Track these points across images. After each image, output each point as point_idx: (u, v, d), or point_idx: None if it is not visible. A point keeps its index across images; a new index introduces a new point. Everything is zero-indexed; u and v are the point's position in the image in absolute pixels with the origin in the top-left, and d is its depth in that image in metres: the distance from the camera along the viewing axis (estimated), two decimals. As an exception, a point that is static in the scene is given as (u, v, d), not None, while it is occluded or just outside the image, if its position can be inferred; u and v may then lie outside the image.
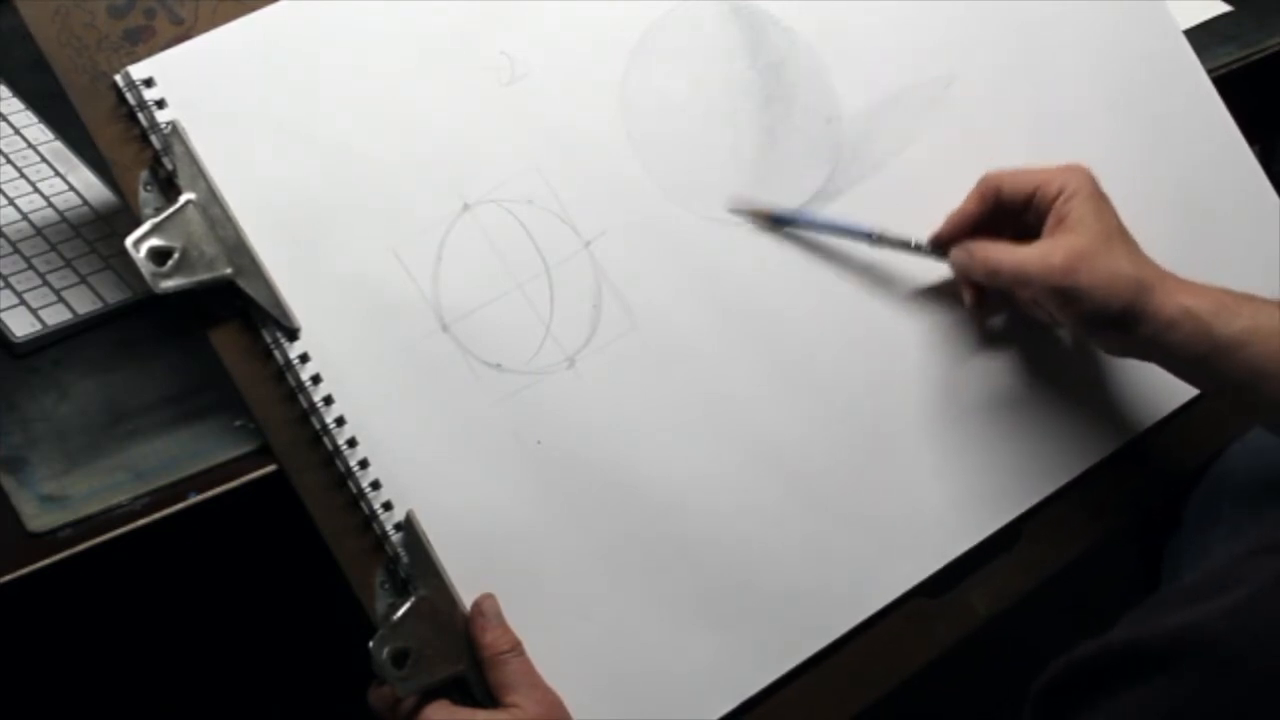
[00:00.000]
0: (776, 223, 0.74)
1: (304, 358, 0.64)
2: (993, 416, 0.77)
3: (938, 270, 0.76)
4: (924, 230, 0.74)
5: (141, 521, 0.64)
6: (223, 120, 0.64)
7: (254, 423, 0.65)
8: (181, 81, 0.64)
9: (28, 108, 0.86)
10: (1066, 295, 0.69)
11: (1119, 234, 0.71)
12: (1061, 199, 0.71)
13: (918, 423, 0.75)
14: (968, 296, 0.75)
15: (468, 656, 0.66)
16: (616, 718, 0.68)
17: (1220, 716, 0.44)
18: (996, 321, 0.77)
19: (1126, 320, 0.69)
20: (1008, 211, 0.73)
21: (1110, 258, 0.69)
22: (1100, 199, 0.72)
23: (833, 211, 0.75)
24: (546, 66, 0.70)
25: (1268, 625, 0.44)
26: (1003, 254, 0.71)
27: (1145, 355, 0.72)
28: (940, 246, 0.74)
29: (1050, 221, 0.71)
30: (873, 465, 0.74)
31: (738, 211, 0.73)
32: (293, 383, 0.64)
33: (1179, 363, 0.71)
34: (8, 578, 0.60)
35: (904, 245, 0.74)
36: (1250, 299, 0.70)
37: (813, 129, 0.76)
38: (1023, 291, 0.72)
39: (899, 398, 0.75)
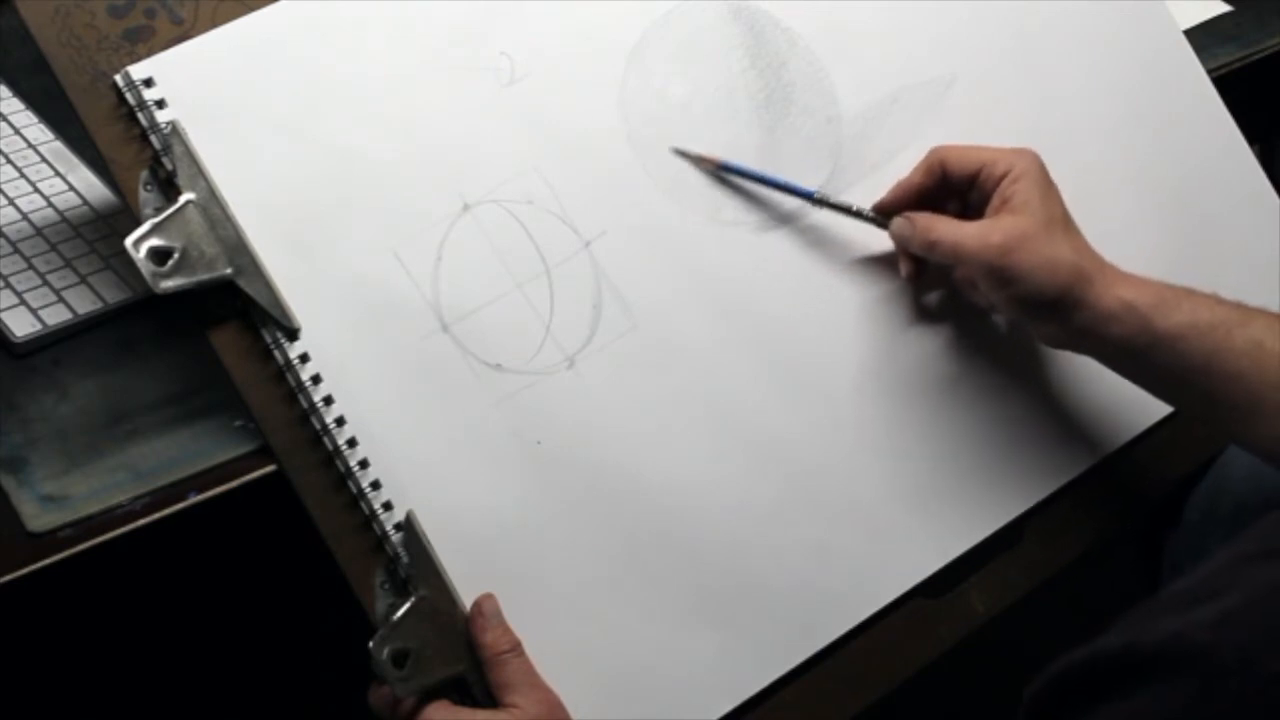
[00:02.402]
0: (722, 170, 0.73)
1: (304, 358, 0.64)
2: (993, 416, 0.77)
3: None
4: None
5: (141, 521, 0.64)
6: (223, 120, 0.64)
7: (254, 423, 0.65)
8: (181, 81, 0.64)
9: (28, 108, 0.85)
10: (1001, 276, 0.69)
11: (1062, 221, 0.70)
12: (1007, 180, 0.70)
13: (919, 421, 0.75)
14: (905, 268, 0.75)
15: (468, 657, 0.66)
16: (616, 718, 0.68)
17: None
18: (998, 323, 0.77)
19: (1062, 307, 0.69)
20: (954, 188, 0.73)
21: (1050, 243, 0.69)
22: (1047, 184, 0.71)
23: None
24: (547, 67, 0.70)
25: (1257, 635, 0.44)
26: (942, 227, 0.71)
27: (1081, 346, 0.72)
28: (883, 214, 0.74)
29: (994, 202, 0.71)
30: (873, 465, 0.74)
31: (681, 154, 0.72)
32: (293, 383, 0.64)
33: (1114, 355, 0.71)
34: (8, 578, 0.60)
35: (845, 209, 0.74)
36: (1190, 294, 0.69)
37: (813, 129, 0.76)
38: (960, 269, 0.72)
39: (899, 397, 0.75)
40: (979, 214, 0.72)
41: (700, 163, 0.73)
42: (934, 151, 0.74)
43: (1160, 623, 0.47)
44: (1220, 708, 0.44)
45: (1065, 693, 0.49)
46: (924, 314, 0.76)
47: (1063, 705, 0.49)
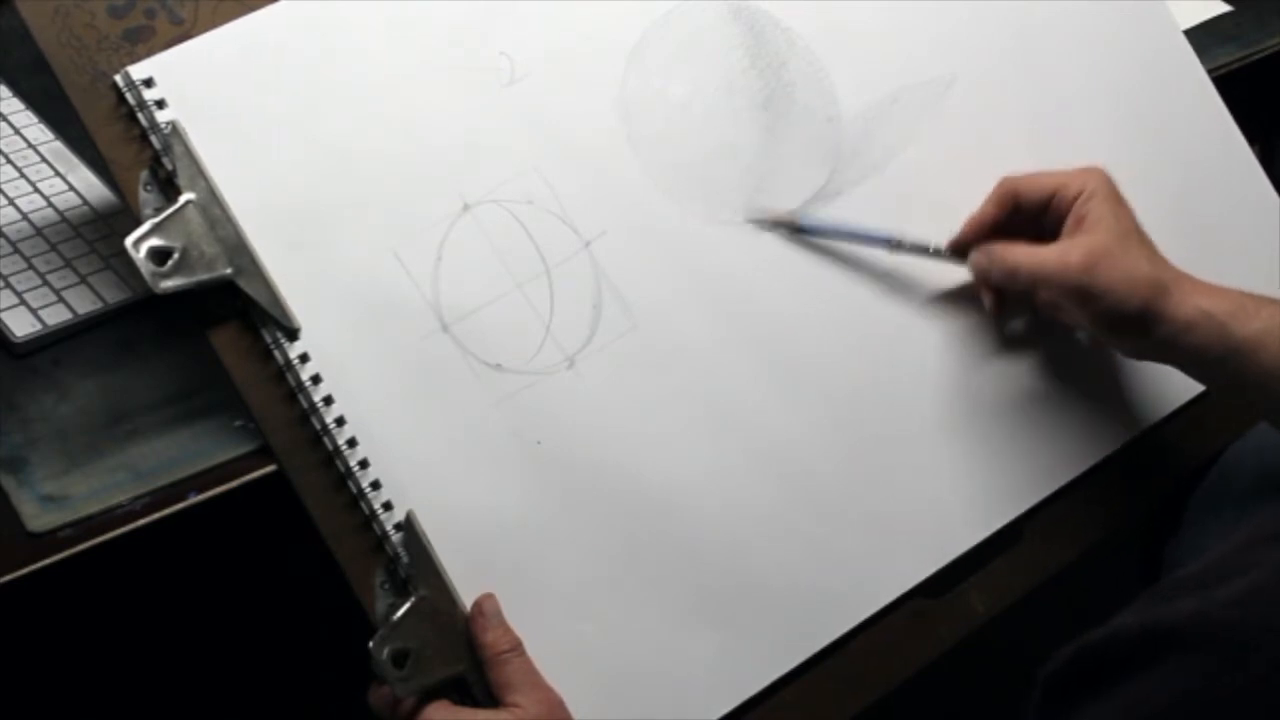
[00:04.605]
0: (795, 230, 0.74)
1: (304, 358, 0.64)
2: (993, 416, 0.77)
3: (936, 272, 0.76)
4: (938, 235, 0.75)
5: (141, 521, 0.64)
6: (223, 120, 0.64)
7: (254, 423, 0.65)
8: (181, 81, 0.64)
9: (28, 108, 0.86)
10: (1084, 294, 0.69)
11: (1136, 235, 0.71)
12: (1080, 200, 0.71)
13: (917, 422, 0.75)
14: (988, 301, 0.76)
15: (468, 656, 0.66)
16: (616, 718, 0.68)
17: (1227, 705, 0.45)
18: (998, 322, 0.77)
19: (1144, 321, 0.69)
20: (1026, 215, 0.74)
21: (1128, 257, 0.70)
22: (1117, 200, 0.72)
23: (835, 212, 0.75)
24: (546, 67, 0.70)
25: (1274, 614, 0.45)
26: (1020, 254, 0.72)
27: (1162, 357, 0.72)
28: (958, 251, 0.74)
29: (1069, 223, 0.72)
30: (873, 465, 0.74)
31: (756, 221, 0.73)
32: (293, 383, 0.64)
33: (1196, 364, 0.71)
34: (8, 578, 0.60)
35: (922, 250, 0.74)
36: (1269, 301, 0.70)
37: (813, 129, 0.76)
38: (1042, 292, 0.72)
39: (899, 397, 0.75)
40: (1053, 237, 0.72)
41: (774, 227, 0.73)
42: (1003, 183, 0.74)
43: (1178, 602, 0.47)
44: (1244, 682, 0.44)
45: (1083, 672, 0.49)
46: (921, 319, 0.76)
47: (1081, 684, 0.49)
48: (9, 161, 0.81)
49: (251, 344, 0.64)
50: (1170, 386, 0.81)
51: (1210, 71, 0.88)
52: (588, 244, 0.70)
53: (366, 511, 0.65)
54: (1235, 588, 0.46)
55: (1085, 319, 0.71)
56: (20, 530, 0.62)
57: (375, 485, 0.65)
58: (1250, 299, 0.70)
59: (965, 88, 0.79)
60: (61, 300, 0.73)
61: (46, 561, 0.62)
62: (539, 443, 0.68)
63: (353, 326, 0.65)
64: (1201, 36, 0.95)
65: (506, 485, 0.67)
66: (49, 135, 0.84)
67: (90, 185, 0.81)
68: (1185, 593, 0.48)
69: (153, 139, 0.64)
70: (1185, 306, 0.69)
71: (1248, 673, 0.44)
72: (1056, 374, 0.79)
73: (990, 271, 0.73)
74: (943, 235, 0.75)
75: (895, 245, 0.74)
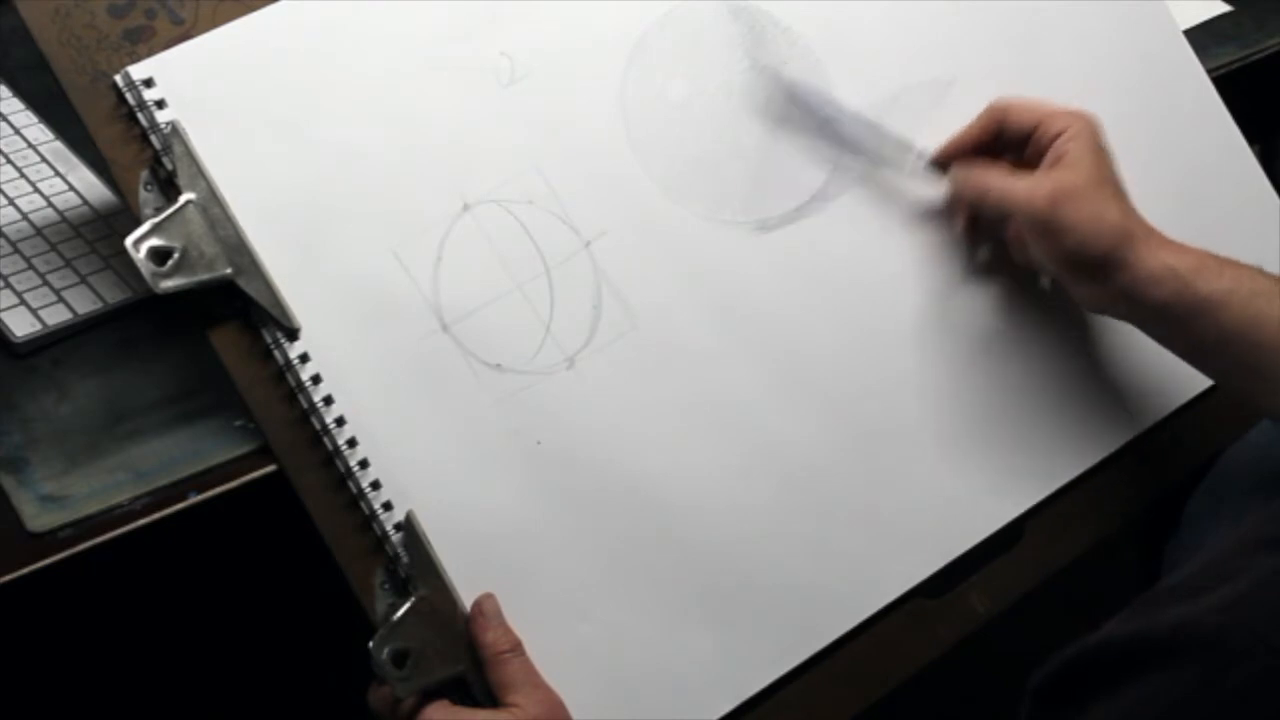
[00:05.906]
0: (792, 98, 0.74)
1: (304, 358, 0.64)
2: (993, 416, 0.77)
3: (937, 272, 0.76)
4: (930, 193, 0.76)
5: (141, 521, 0.64)
6: (223, 120, 0.64)
7: (254, 423, 0.65)
8: (182, 82, 0.64)
9: (28, 108, 0.86)
10: (1047, 229, 0.69)
11: (1112, 183, 0.71)
12: (1063, 138, 0.71)
13: (918, 422, 0.75)
14: (960, 223, 0.76)
15: (468, 656, 0.66)
16: (616, 718, 0.68)
17: (1219, 712, 0.44)
18: (997, 321, 0.77)
19: (1106, 266, 0.69)
20: (1010, 142, 0.74)
21: (1099, 202, 0.69)
22: (1100, 147, 0.72)
23: (836, 209, 0.75)
24: (546, 67, 0.70)
25: (1265, 621, 0.44)
26: (993, 178, 0.72)
27: (1121, 310, 0.72)
28: (938, 165, 0.75)
29: (1047, 159, 0.72)
30: (873, 465, 0.74)
31: (759, 68, 0.74)
32: (293, 383, 0.64)
33: (1154, 320, 0.71)
34: (8, 578, 0.60)
35: (905, 149, 0.75)
36: (1233, 263, 0.70)
37: (813, 129, 0.76)
38: (1010, 224, 0.73)
39: (899, 398, 0.75)
40: (1033, 170, 0.72)
41: (774, 84, 0.74)
42: (995, 103, 0.75)
43: (1169, 610, 0.47)
44: (1230, 690, 0.44)
45: (1074, 680, 0.49)
46: (922, 317, 0.76)
47: (1072, 692, 0.49)
48: (9, 161, 0.82)
49: (251, 344, 0.64)
50: (1171, 385, 0.81)
51: (1210, 71, 0.88)
52: (588, 244, 0.70)
53: (366, 511, 0.65)
54: (1223, 595, 0.46)
55: (1048, 256, 0.71)
56: (20, 530, 0.62)
57: (375, 485, 0.65)
58: (1214, 258, 0.70)
59: (965, 88, 0.79)
60: (61, 300, 0.73)
61: (46, 561, 0.62)
62: (539, 443, 0.68)
63: (353, 326, 0.65)
64: (1201, 36, 0.95)
65: (506, 485, 0.67)
66: (49, 135, 0.84)
67: (90, 185, 0.81)
68: (1174, 601, 0.47)
69: (153, 139, 0.64)
70: (1151, 260, 0.69)
71: (1239, 679, 0.44)
72: (1056, 374, 0.79)
73: (962, 188, 0.74)
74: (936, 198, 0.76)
75: (884, 137, 0.75)
